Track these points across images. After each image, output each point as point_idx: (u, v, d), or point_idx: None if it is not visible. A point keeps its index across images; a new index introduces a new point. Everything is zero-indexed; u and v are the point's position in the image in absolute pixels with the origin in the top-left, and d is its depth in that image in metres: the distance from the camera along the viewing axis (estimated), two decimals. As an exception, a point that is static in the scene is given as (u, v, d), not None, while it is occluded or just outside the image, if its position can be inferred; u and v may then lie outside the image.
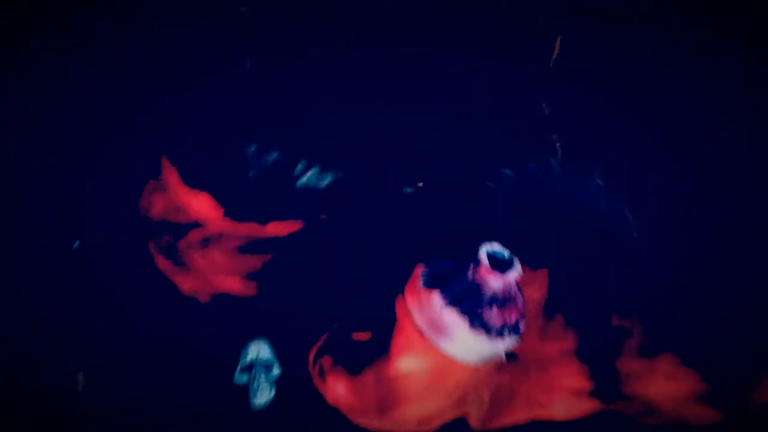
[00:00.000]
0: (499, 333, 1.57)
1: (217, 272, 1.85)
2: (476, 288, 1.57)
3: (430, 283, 1.59)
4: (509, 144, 1.95)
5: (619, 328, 1.74)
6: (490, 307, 1.57)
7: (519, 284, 1.62)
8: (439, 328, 1.58)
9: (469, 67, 2.02)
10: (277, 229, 1.86)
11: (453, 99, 2.01)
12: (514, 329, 1.59)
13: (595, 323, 1.74)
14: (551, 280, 1.76)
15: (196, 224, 1.89)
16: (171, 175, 1.89)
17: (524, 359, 1.72)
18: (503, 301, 1.58)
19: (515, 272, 1.57)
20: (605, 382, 1.71)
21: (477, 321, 1.56)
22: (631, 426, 1.69)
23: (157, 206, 1.91)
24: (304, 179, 1.86)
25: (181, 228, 1.88)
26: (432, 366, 1.62)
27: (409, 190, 1.89)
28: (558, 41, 1.94)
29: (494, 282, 1.56)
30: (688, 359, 1.71)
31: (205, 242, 1.87)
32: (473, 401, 1.71)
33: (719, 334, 1.76)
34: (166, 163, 1.89)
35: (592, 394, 1.71)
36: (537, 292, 1.74)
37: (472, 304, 1.56)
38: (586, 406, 1.71)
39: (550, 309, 1.74)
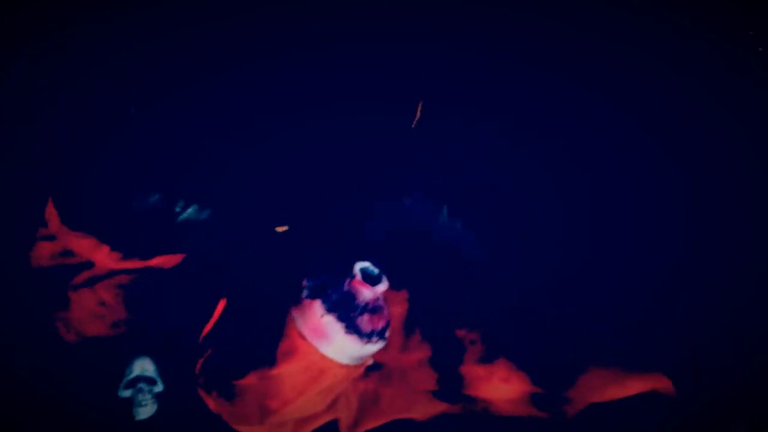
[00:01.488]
0: (369, 337, 1.82)
1: (105, 309, 1.99)
2: (351, 297, 1.83)
3: (312, 294, 1.84)
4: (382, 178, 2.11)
5: (463, 338, 1.99)
6: (362, 314, 1.83)
7: (385, 299, 1.89)
8: (319, 332, 1.81)
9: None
10: (162, 261, 2.02)
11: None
12: (381, 334, 1.85)
13: (444, 335, 1.99)
14: (411, 298, 2.01)
15: (87, 264, 2.00)
16: (54, 220, 1.99)
17: (387, 368, 1.99)
18: (373, 309, 1.84)
19: (383, 286, 1.85)
20: (452, 386, 1.95)
21: (351, 326, 1.81)
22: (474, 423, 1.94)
23: (44, 253, 2.01)
24: (184, 215, 2.00)
25: (72, 270, 2.00)
26: (311, 368, 1.83)
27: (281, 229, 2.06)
28: (419, 106, 2.07)
29: (365, 293, 1.83)
30: (521, 364, 1.94)
31: (93, 281, 2.00)
32: (344, 406, 1.96)
33: (547, 341, 1.97)
34: (50, 206, 1.99)
35: (442, 397, 1.96)
36: (399, 309, 2.00)
37: (346, 312, 1.82)
38: (438, 407, 1.96)
39: (409, 324, 2.00)
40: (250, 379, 1.84)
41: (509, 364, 1.92)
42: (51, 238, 2.00)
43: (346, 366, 1.83)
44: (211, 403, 1.87)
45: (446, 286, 2.02)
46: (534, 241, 2.03)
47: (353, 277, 1.82)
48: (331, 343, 1.80)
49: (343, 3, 2.09)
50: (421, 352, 1.98)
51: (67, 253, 2.00)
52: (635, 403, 1.87)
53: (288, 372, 1.82)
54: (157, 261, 2.00)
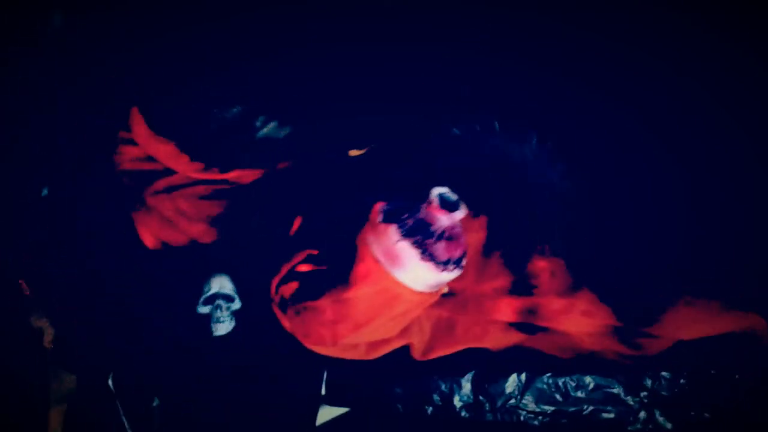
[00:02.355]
0: (445, 264, 1.74)
1: (182, 218, 1.99)
2: (427, 224, 1.75)
3: (388, 219, 1.75)
4: (458, 107, 2.06)
5: (543, 269, 1.92)
6: (438, 241, 1.74)
7: (463, 227, 1.80)
8: (394, 257, 1.73)
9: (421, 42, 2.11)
10: (240, 176, 1.98)
11: (407, 66, 2.09)
12: (458, 263, 1.76)
13: (524, 264, 1.92)
14: (489, 226, 1.93)
15: (166, 172, 1.98)
16: (140, 126, 1.96)
17: (463, 296, 1.94)
18: (450, 237, 1.76)
19: (461, 213, 1.75)
20: (529, 316, 1.90)
21: (426, 252, 1.72)
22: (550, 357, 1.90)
23: (127, 157, 2.00)
24: (264, 131, 1.95)
25: (150, 176, 1.99)
26: (385, 293, 1.76)
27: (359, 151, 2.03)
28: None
29: (442, 219, 1.74)
30: (604, 297, 1.88)
31: (171, 190, 1.98)
32: (417, 331, 1.92)
33: (634, 274, 1.92)
34: (136, 113, 1.97)
35: (519, 328, 1.91)
36: (477, 237, 1.93)
37: (422, 238, 1.73)
38: (514, 337, 1.92)
39: (487, 252, 1.93)
40: (324, 301, 1.79)
41: (592, 296, 1.87)
42: (133, 142, 1.98)
43: (421, 293, 1.76)
44: (286, 322, 1.85)
45: (528, 213, 1.94)
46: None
47: (430, 202, 1.74)
48: (405, 269, 1.73)
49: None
50: (498, 281, 1.93)
51: (149, 159, 1.98)
52: (727, 342, 1.83)
53: (362, 296, 1.77)
54: (235, 174, 1.97)
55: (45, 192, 2.04)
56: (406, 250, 1.72)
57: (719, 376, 1.85)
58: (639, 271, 1.92)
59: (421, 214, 1.74)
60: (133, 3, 2.09)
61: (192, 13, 2.02)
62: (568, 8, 2.07)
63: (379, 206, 1.76)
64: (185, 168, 1.97)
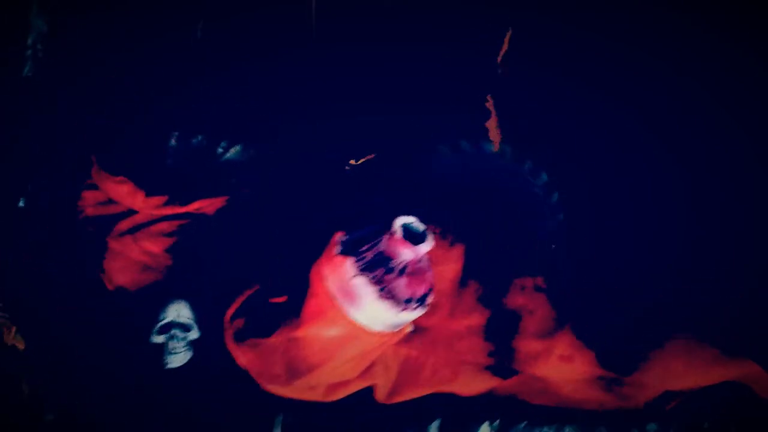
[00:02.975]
0: (406, 303, 1.60)
1: (151, 259, 1.89)
2: (387, 258, 1.60)
3: (345, 251, 1.62)
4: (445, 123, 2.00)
5: (521, 307, 1.79)
6: (399, 277, 1.60)
7: (433, 259, 1.67)
8: (349, 294, 1.60)
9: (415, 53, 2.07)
10: (203, 206, 1.90)
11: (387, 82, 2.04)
12: (421, 301, 1.62)
13: (501, 301, 1.79)
14: (467, 256, 1.80)
15: (129, 213, 1.92)
16: (98, 171, 1.92)
17: (433, 333, 1.78)
18: (412, 273, 1.61)
19: (426, 246, 1.60)
20: (505, 359, 1.76)
21: (385, 290, 1.59)
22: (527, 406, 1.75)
23: (90, 202, 1.94)
24: (228, 155, 1.93)
25: (113, 219, 1.92)
26: (341, 332, 1.64)
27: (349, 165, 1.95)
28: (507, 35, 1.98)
29: (405, 253, 1.59)
30: (587, 340, 1.75)
31: (135, 230, 1.90)
32: (381, 372, 1.77)
33: (621, 315, 1.80)
34: (94, 162, 1.93)
35: (493, 371, 1.77)
36: (452, 268, 1.79)
37: (382, 273, 1.59)
38: (487, 382, 1.77)
39: (462, 285, 1.79)
40: (278, 338, 1.68)
41: (573, 339, 1.74)
42: (94, 186, 1.93)
43: (379, 333, 1.62)
44: (241, 358, 1.73)
45: (508, 243, 1.84)
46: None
47: (392, 234, 1.59)
48: (361, 308, 1.59)
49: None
50: (472, 318, 1.78)
51: (110, 201, 1.93)
52: (721, 392, 1.70)
53: (315, 334, 1.65)
54: (198, 205, 1.89)
55: (21, 203, 1.99)
56: (363, 287, 1.59)
57: (713, 429, 1.72)
58: (626, 312, 1.81)
59: (382, 247, 1.60)
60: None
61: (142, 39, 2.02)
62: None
63: (338, 236, 1.64)
64: (144, 205, 1.90)
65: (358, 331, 1.63)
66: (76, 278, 1.91)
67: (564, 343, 1.74)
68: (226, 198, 1.91)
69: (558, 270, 1.85)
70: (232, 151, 1.93)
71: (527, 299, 1.80)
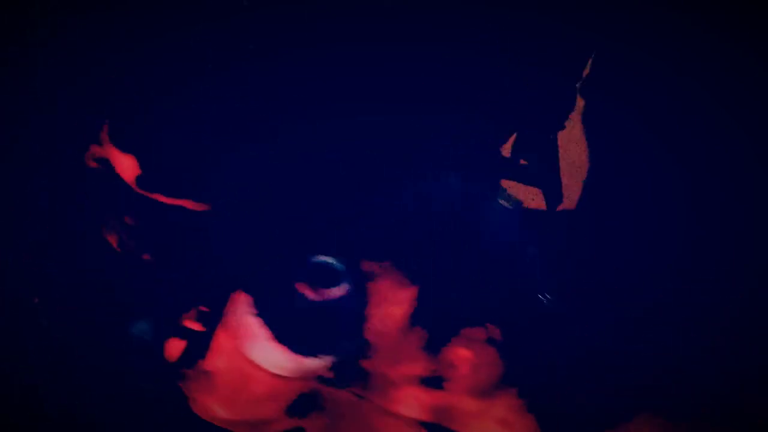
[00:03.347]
0: (308, 353, 1.47)
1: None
2: (288, 299, 1.47)
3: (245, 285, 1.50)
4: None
5: (465, 359, 1.60)
6: (300, 321, 1.46)
7: (383, 298, 1.54)
8: (244, 331, 1.48)
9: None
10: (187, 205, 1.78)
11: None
12: (333, 351, 1.49)
13: (445, 353, 1.62)
14: (419, 299, 1.62)
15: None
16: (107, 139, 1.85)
17: (371, 379, 1.61)
18: (320, 317, 1.47)
19: (338, 290, 1.47)
20: (441, 416, 1.58)
21: (281, 335, 1.46)
22: None
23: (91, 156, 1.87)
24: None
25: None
26: (239, 371, 1.52)
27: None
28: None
29: (309, 296, 1.46)
30: (529, 403, 1.58)
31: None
32: (314, 414, 1.60)
33: (574, 376, 1.65)
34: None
35: (429, 429, 1.60)
36: (399, 311, 1.61)
37: (279, 315, 1.46)
38: None
39: (408, 330, 1.61)
40: (195, 369, 1.58)
41: (515, 402, 1.58)
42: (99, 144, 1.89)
43: (281, 377, 1.50)
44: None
45: (468, 286, 1.68)
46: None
47: (298, 273, 1.48)
48: (255, 347, 1.49)
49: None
50: (413, 367, 1.62)
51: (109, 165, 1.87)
52: None
53: (217, 370, 1.55)
54: (182, 203, 1.78)
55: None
56: (256, 327, 1.47)
57: None
58: (626, 311, 1.72)
59: (284, 286, 1.47)
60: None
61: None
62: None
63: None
64: (132, 182, 1.81)
65: (256, 371, 1.51)
66: (75, 278, 1.88)
67: (503, 405, 1.59)
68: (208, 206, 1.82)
69: (516, 321, 1.69)
70: None
71: (472, 353, 1.63)
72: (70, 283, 1.92)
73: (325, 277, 1.47)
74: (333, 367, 1.51)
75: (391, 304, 1.60)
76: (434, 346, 1.60)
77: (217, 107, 2.02)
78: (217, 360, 1.54)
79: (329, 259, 1.48)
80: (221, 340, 1.52)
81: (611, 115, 2.05)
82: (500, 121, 2.06)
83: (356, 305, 1.50)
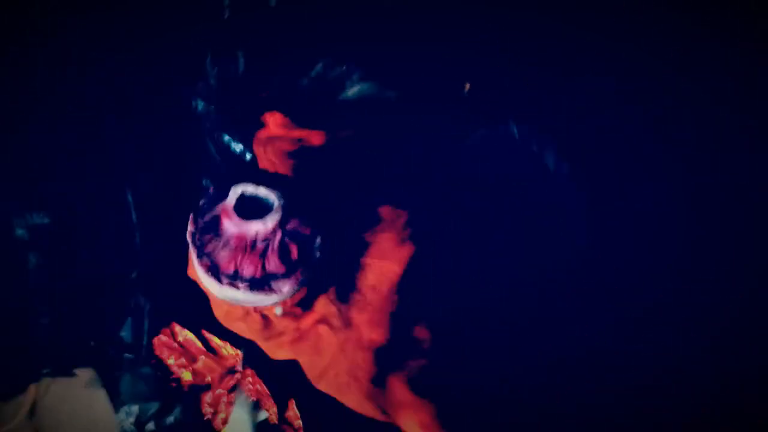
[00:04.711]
0: (230, 279, 1.44)
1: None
2: (214, 227, 1.47)
3: (197, 211, 1.50)
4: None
5: (420, 342, 1.55)
6: (222, 250, 1.45)
7: (380, 250, 1.50)
8: (190, 252, 1.50)
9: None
10: (307, 135, 1.81)
11: None
12: (258, 284, 1.44)
13: (409, 329, 1.56)
14: (412, 263, 1.58)
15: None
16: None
17: (345, 333, 1.56)
18: (242, 248, 1.44)
19: (265, 223, 1.42)
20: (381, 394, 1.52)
21: (204, 259, 1.46)
22: None
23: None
24: (353, 91, 1.87)
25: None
26: (201, 285, 1.53)
27: None
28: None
29: (229, 226, 1.43)
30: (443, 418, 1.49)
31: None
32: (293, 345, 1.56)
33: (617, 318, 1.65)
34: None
35: (376, 400, 1.54)
36: (390, 270, 1.57)
37: (203, 242, 1.47)
38: (370, 409, 1.53)
39: (394, 293, 1.56)
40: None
41: (432, 409, 1.48)
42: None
43: (222, 300, 1.47)
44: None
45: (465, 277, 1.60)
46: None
47: (223, 203, 1.45)
48: (195, 268, 1.48)
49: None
50: (376, 334, 1.54)
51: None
52: None
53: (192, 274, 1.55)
54: (301, 133, 1.83)
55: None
56: (190, 246, 1.49)
57: None
58: (626, 311, 1.69)
59: (215, 212, 1.47)
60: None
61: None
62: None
63: (210, 190, 1.54)
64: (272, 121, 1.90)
65: (207, 289, 1.51)
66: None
67: (426, 412, 1.49)
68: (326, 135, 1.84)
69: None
70: (360, 87, 1.86)
71: (428, 334, 1.57)
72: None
73: (253, 208, 1.46)
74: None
75: (387, 259, 1.57)
76: (399, 322, 1.56)
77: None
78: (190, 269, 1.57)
79: (262, 191, 1.46)
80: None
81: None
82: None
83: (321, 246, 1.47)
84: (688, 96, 2.05)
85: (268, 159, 1.83)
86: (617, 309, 1.87)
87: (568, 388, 1.62)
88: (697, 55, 2.04)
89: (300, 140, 1.82)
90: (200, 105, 1.91)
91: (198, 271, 1.50)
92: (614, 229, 1.99)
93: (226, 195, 1.47)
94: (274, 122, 1.88)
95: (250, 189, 1.44)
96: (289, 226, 1.45)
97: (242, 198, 1.45)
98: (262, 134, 1.89)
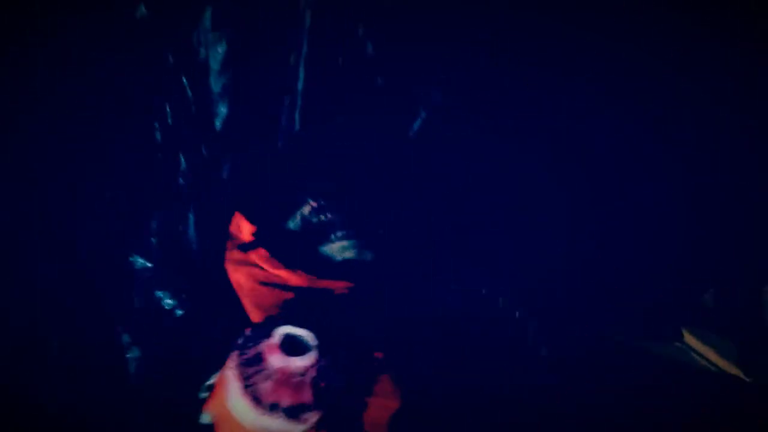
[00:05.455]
0: (269, 409, 1.65)
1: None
2: (259, 359, 1.67)
3: (239, 345, 1.70)
4: None
5: None
6: (266, 381, 1.65)
7: (382, 390, 1.72)
8: (225, 382, 1.68)
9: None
10: (286, 275, 1.91)
11: None
12: (292, 414, 1.66)
13: None
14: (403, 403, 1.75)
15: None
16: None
17: None
18: (282, 381, 1.65)
19: (303, 360, 1.66)
20: None
21: (250, 388, 1.65)
22: None
23: None
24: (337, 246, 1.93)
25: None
26: (221, 413, 1.71)
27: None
28: None
29: (274, 360, 1.66)
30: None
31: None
32: None
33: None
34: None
35: None
36: (385, 405, 1.77)
37: (251, 372, 1.66)
38: None
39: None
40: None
41: None
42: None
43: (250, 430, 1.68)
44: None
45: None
46: None
47: (270, 338, 1.69)
48: (231, 398, 1.68)
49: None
50: None
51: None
52: None
53: (212, 408, 1.75)
54: (288, 276, 1.92)
55: None
56: (233, 379, 1.66)
57: None
58: (626, 311, 1.78)
59: (259, 348, 1.67)
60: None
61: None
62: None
63: (247, 330, 1.72)
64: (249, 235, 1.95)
65: (231, 421, 1.70)
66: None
67: None
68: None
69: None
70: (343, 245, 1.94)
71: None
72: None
73: (293, 347, 1.67)
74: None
75: (389, 399, 1.76)
76: None
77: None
78: (212, 399, 1.74)
79: (303, 334, 1.69)
80: (220, 377, 1.71)
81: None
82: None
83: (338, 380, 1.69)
84: (688, 96, 2.05)
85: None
86: (616, 310, 1.88)
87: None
88: (697, 55, 2.04)
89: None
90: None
91: (234, 402, 1.67)
92: (614, 229, 1.99)
93: (266, 333, 1.69)
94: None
95: (292, 330, 1.68)
96: (320, 364, 1.70)
97: (285, 337, 1.69)
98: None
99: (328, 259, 1.92)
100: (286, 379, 1.64)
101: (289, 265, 1.89)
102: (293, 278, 1.91)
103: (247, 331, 1.71)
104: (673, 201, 2.02)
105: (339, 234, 1.90)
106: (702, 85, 2.03)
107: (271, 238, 1.92)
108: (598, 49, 2.05)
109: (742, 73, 2.02)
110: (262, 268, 1.92)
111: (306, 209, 1.92)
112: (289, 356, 1.64)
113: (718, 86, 2.03)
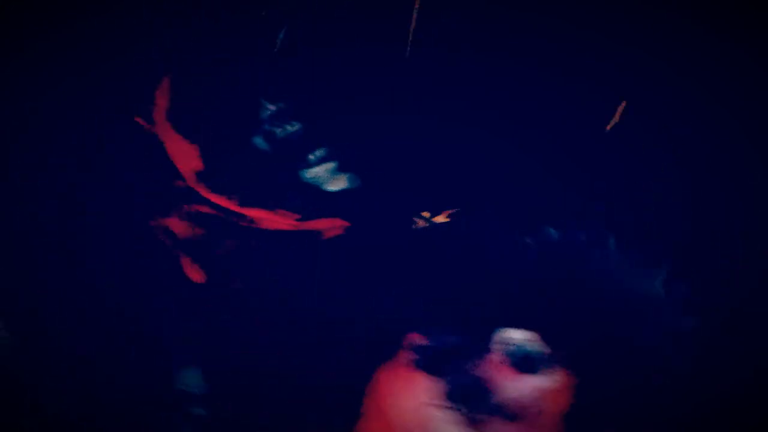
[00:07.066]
0: None
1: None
2: (483, 388, 1.12)
3: (423, 365, 1.15)
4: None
5: None
6: (495, 416, 1.11)
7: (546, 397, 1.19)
8: (415, 424, 1.12)
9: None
10: (263, 218, 1.48)
11: None
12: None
13: None
14: (578, 393, 1.30)
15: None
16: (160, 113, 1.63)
17: None
18: (517, 416, 1.10)
19: (546, 379, 1.11)
20: None
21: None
22: None
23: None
24: (314, 171, 1.50)
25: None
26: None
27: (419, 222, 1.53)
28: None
29: (509, 387, 1.10)
30: None
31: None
32: None
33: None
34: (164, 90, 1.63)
35: None
36: (555, 402, 1.26)
37: (472, 408, 1.12)
38: None
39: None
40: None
41: None
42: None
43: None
44: None
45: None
46: None
47: (490, 354, 1.11)
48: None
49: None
50: None
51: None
52: None
53: None
54: (256, 214, 1.46)
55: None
56: (443, 423, 1.08)
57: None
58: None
59: (476, 371, 1.11)
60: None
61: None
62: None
63: (412, 340, 1.16)
64: (191, 177, 1.55)
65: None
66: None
67: None
68: (297, 218, 1.50)
69: None
70: (326, 168, 1.51)
71: None
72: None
73: (523, 363, 1.16)
74: None
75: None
76: None
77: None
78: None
79: (526, 339, 1.14)
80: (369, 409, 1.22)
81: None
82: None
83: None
84: (688, 96, 2.05)
85: None
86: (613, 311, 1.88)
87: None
88: (697, 55, 2.04)
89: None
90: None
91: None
92: (614, 229, 1.99)
93: (472, 345, 1.12)
94: None
95: (518, 336, 1.09)
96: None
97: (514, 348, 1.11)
98: None
99: (316, 189, 1.46)
100: (523, 410, 1.08)
101: (258, 203, 1.45)
102: (273, 220, 1.45)
103: (414, 341, 1.12)
104: (673, 201, 2.02)
105: (318, 153, 1.47)
106: (702, 84, 2.03)
107: (234, 166, 1.50)
108: (597, 49, 2.05)
109: (742, 73, 2.02)
110: (222, 210, 1.48)
111: (265, 114, 1.49)
112: (526, 374, 1.08)
113: (718, 86, 2.03)
